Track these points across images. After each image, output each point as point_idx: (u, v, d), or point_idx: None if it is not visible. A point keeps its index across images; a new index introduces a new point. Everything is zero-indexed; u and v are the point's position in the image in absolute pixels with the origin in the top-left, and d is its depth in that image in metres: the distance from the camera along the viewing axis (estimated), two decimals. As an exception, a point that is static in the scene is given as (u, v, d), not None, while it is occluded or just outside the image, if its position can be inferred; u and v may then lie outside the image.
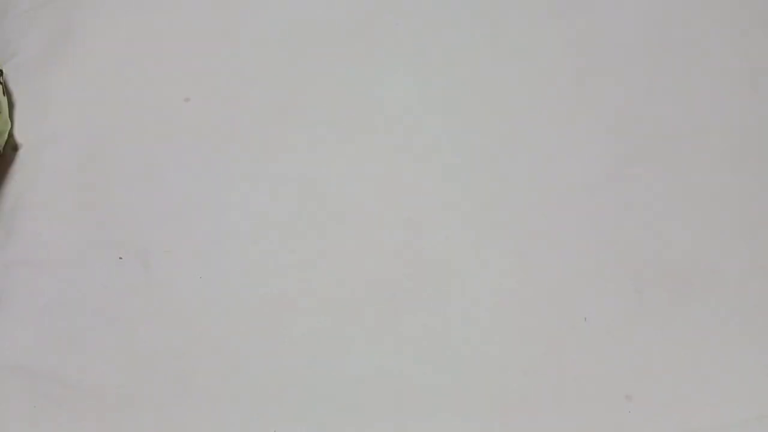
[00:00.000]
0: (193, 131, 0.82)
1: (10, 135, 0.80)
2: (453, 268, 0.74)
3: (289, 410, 0.66)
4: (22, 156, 0.80)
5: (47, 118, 0.83)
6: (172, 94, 0.84)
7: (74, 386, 0.66)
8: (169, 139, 0.81)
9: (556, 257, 0.74)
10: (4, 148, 0.78)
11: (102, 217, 0.77)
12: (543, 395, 0.67)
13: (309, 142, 0.82)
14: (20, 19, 0.94)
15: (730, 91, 0.87)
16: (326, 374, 0.68)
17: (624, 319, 0.70)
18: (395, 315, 0.71)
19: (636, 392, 0.66)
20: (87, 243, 0.75)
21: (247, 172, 0.79)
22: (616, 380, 0.67)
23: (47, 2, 0.94)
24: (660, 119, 0.85)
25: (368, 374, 0.68)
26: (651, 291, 0.72)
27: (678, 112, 0.86)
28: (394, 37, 0.93)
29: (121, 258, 0.74)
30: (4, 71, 0.83)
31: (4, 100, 0.79)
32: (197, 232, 0.76)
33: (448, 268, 0.74)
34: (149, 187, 0.78)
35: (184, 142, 0.81)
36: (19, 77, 0.85)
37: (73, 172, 0.79)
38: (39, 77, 0.86)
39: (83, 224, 0.76)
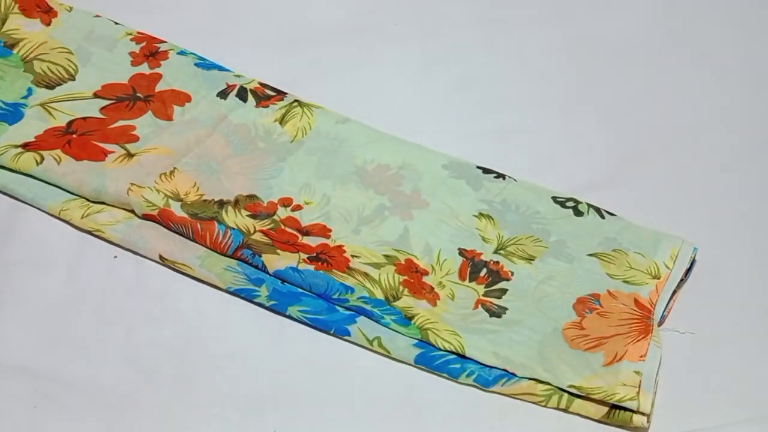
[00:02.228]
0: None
1: None
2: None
3: (289, 410, 0.66)
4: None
5: (47, 118, 0.83)
6: (172, 94, 0.84)
7: (74, 386, 0.66)
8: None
9: (556, 258, 0.74)
10: None
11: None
12: (543, 395, 0.67)
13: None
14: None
15: (730, 90, 0.88)
16: (327, 373, 0.68)
17: (624, 320, 0.70)
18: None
19: (636, 392, 0.66)
20: (83, 242, 0.75)
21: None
22: (616, 380, 0.67)
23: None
24: (658, 119, 0.86)
25: (369, 373, 0.68)
26: (651, 291, 0.72)
27: (677, 111, 0.86)
28: (394, 37, 0.93)
29: (116, 257, 0.74)
30: None
31: None
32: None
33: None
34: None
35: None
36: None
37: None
38: (39, 77, 0.86)
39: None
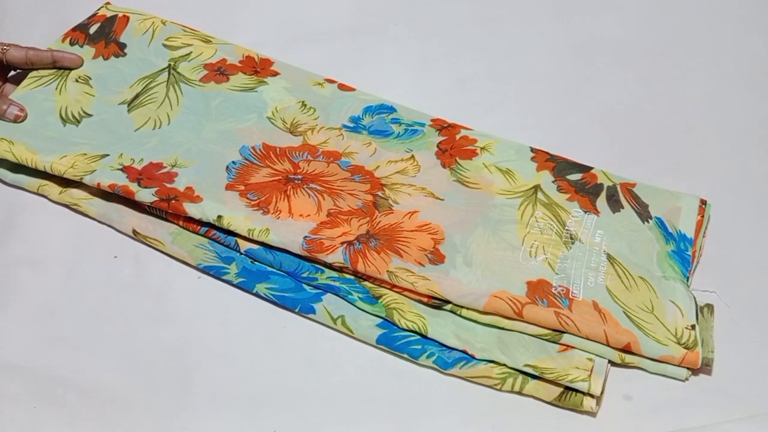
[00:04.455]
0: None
1: None
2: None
3: (289, 410, 0.66)
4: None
5: (46, 118, 0.83)
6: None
7: (74, 386, 0.66)
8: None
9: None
10: None
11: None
12: (543, 395, 0.67)
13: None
14: (20, 19, 0.94)
15: (730, 90, 0.88)
16: (327, 373, 0.68)
17: (624, 319, 0.71)
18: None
19: (636, 392, 0.66)
20: (83, 242, 0.75)
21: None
22: (616, 380, 0.67)
23: (47, 2, 0.95)
24: (658, 119, 0.86)
25: (370, 373, 0.68)
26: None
27: (676, 111, 0.86)
28: (394, 36, 0.93)
29: (116, 257, 0.75)
30: None
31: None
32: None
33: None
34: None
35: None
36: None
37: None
38: (38, 77, 0.86)
39: (80, 223, 0.76)
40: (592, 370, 0.65)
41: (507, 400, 0.66)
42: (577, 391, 0.65)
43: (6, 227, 0.76)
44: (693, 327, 0.67)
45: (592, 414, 0.65)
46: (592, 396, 0.64)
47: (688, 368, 0.66)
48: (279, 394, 0.66)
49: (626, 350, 0.66)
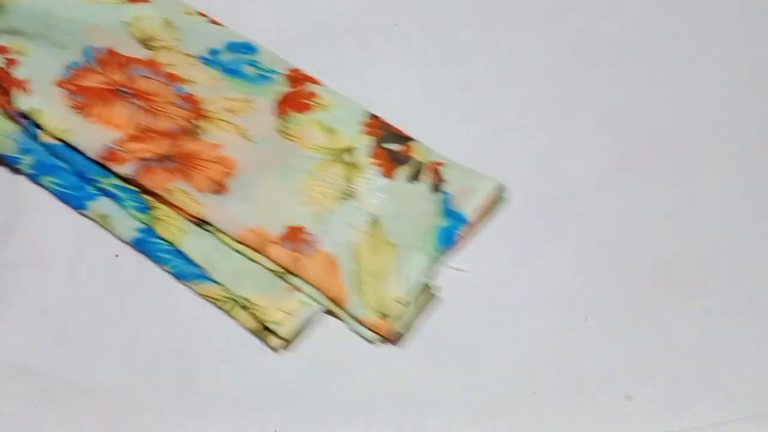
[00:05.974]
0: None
1: None
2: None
3: (289, 410, 0.66)
4: (21, 156, 0.80)
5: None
6: (171, 94, 0.84)
7: (74, 386, 0.66)
8: (169, 139, 0.81)
9: (555, 257, 0.74)
10: None
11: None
12: (543, 395, 0.67)
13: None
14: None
15: (729, 90, 0.88)
16: (327, 373, 0.68)
17: (624, 319, 0.71)
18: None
19: (636, 392, 0.66)
20: (84, 242, 0.75)
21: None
22: (616, 380, 0.67)
23: (47, 2, 0.94)
24: (658, 119, 0.86)
25: (369, 373, 0.68)
26: (650, 291, 0.72)
27: (677, 111, 0.86)
28: (394, 36, 0.93)
29: (117, 256, 0.75)
30: None
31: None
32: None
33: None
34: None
35: (184, 142, 0.81)
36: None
37: (73, 172, 0.79)
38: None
39: (81, 222, 0.77)
40: (293, 315, 0.68)
41: (509, 400, 0.66)
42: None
43: (7, 227, 0.76)
44: (404, 301, 0.69)
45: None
46: (281, 338, 0.68)
47: (380, 335, 0.69)
48: (279, 394, 0.66)
49: (336, 303, 0.69)
